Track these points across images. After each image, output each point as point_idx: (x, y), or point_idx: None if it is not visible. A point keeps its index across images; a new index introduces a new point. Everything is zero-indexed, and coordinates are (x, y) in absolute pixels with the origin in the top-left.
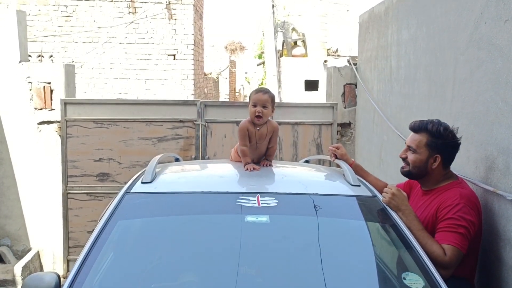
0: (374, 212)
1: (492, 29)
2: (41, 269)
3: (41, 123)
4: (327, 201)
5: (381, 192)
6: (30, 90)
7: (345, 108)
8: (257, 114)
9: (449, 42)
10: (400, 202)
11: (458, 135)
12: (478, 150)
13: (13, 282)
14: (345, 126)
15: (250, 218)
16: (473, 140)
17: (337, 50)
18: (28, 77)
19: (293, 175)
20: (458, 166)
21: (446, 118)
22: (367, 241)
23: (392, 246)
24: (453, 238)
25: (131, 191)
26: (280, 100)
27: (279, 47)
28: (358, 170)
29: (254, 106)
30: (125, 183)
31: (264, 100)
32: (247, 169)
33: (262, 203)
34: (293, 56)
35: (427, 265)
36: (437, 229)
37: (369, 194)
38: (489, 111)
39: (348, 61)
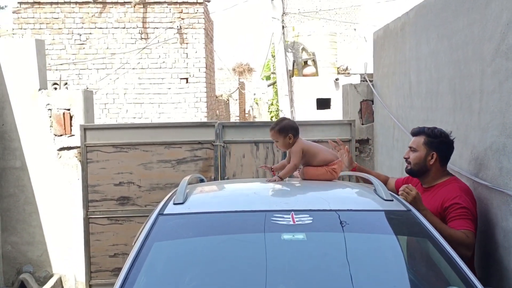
0: (410, 226)
1: None
2: None
3: (61, 149)
4: (361, 217)
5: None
6: (50, 117)
7: (362, 124)
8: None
9: (474, 54)
10: (419, 202)
11: (486, 143)
12: (511, 161)
13: None
14: (363, 142)
15: (286, 236)
16: (505, 151)
17: (347, 68)
18: (48, 104)
19: (325, 192)
20: (490, 177)
21: (474, 130)
22: (405, 256)
23: (431, 260)
24: (467, 224)
25: (164, 212)
26: (293, 119)
27: (290, 67)
28: (362, 171)
29: None
30: (146, 206)
31: (271, 136)
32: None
33: (297, 221)
34: (304, 75)
35: (469, 278)
36: (450, 218)
37: (403, 208)
38: None
39: (364, 78)
